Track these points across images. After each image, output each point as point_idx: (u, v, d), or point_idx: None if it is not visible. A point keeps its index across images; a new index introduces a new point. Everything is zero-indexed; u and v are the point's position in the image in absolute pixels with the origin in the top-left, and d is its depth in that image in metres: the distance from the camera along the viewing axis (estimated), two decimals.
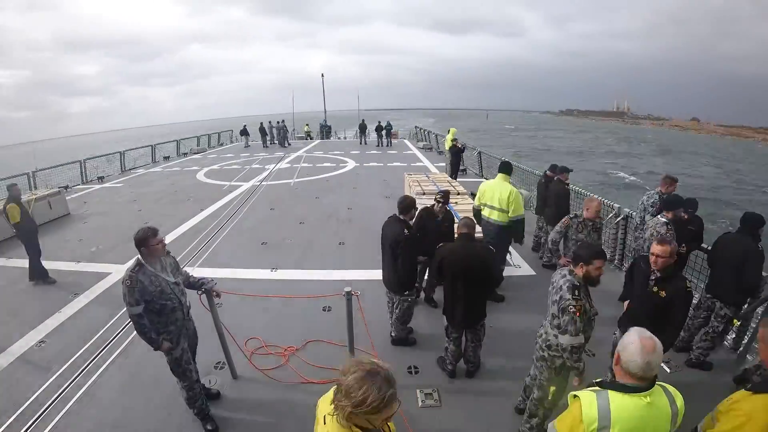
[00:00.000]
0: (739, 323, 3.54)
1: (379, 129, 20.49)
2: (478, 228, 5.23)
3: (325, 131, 26.03)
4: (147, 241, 2.63)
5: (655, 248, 2.60)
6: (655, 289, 2.62)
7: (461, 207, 6.24)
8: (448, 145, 12.20)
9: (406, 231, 3.53)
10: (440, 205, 4.30)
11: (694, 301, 3.36)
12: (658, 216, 3.93)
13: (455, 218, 4.52)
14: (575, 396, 1.55)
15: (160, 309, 2.67)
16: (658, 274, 2.63)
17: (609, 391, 1.48)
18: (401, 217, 3.61)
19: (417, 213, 3.97)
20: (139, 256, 2.65)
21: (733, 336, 3.80)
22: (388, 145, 20.29)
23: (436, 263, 3.22)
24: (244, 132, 22.60)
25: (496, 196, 4.55)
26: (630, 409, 1.43)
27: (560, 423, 1.58)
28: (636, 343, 1.44)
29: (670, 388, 1.51)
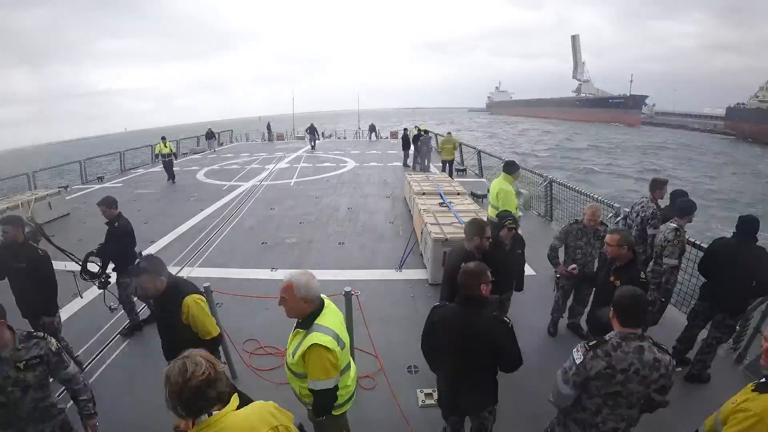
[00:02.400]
0: (739, 329, 3.46)
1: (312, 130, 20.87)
2: None
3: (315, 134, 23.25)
4: None
5: (610, 237, 2.87)
6: (612, 278, 2.81)
7: (460, 208, 6.22)
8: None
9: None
10: (511, 231, 3.51)
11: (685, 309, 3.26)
12: (669, 222, 3.70)
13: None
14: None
15: None
16: (617, 264, 2.86)
17: None
18: (467, 247, 3.00)
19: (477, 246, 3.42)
20: None
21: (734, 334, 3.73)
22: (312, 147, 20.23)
23: (427, 327, 2.37)
24: (210, 135, 21.39)
25: (493, 193, 4.76)
26: None
27: None
28: None
29: None
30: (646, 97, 59.61)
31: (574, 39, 73.25)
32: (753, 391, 1.55)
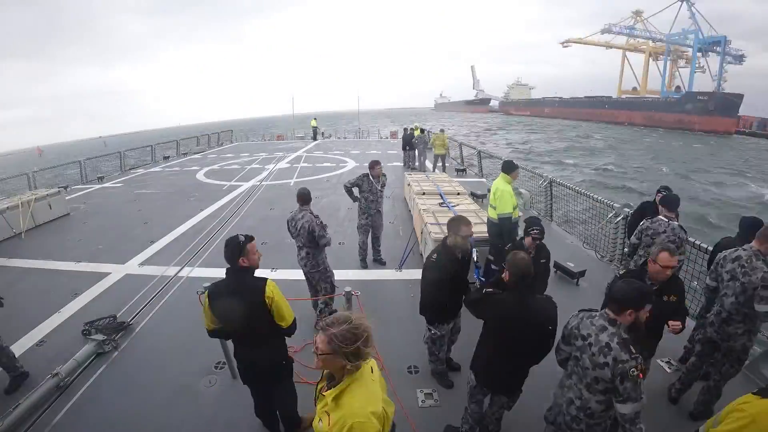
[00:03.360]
0: None
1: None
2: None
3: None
4: (372, 168, 5.38)
5: (669, 260, 2.43)
6: (665, 298, 2.54)
7: (461, 208, 6.21)
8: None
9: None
10: (536, 240, 3.44)
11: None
12: (660, 217, 3.67)
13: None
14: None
15: (366, 197, 5.44)
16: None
17: None
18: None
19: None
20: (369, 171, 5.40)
21: None
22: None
23: (477, 302, 2.48)
24: None
25: (492, 193, 4.72)
26: None
27: None
28: None
29: None
30: (490, 99, 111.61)
31: (473, 68, 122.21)
32: (754, 394, 1.61)
